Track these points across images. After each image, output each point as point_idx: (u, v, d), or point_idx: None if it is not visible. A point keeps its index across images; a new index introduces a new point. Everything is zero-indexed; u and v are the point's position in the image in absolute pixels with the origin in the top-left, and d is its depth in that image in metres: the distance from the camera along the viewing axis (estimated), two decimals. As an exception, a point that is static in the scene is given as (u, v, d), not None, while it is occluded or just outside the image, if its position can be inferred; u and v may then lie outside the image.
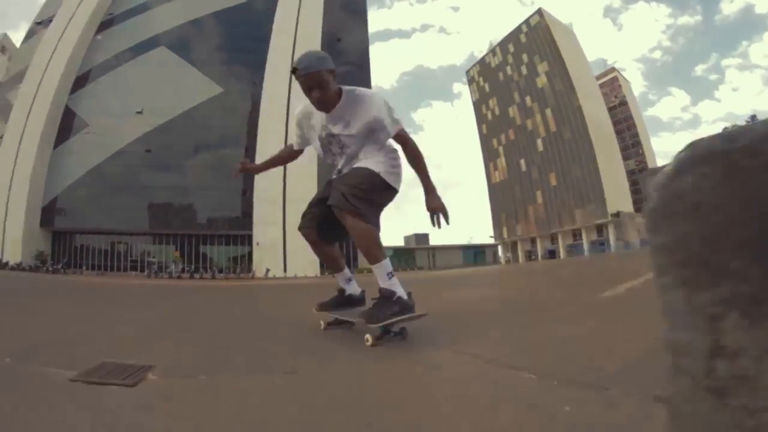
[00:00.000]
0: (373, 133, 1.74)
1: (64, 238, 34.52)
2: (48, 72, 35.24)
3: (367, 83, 40.38)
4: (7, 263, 28.06)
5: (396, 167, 1.81)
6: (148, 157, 34.61)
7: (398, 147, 1.83)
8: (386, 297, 1.64)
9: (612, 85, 70.70)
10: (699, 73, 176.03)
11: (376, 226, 1.75)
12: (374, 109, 1.69)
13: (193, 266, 30.92)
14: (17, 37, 59.98)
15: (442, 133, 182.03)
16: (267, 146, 33.16)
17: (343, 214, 1.67)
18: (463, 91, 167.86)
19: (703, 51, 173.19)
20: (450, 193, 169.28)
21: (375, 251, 1.67)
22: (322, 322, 2.02)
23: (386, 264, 1.69)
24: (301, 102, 1.86)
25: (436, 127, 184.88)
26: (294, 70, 1.62)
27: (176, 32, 38.65)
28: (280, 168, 33.39)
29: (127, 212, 33.46)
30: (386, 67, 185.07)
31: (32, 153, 33.05)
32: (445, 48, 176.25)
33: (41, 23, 39.84)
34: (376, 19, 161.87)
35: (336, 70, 1.67)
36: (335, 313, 1.99)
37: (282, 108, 34.27)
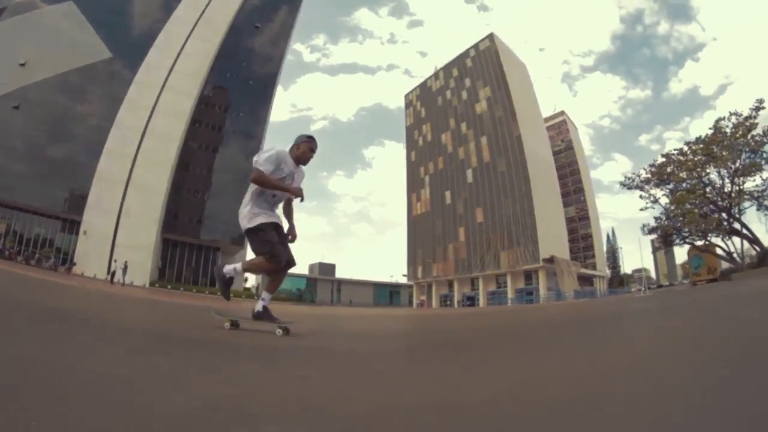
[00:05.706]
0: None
1: None
2: None
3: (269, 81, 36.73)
4: None
5: None
6: None
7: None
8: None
9: (560, 128, 68.85)
10: (642, 142, 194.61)
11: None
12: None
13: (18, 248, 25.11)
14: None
15: (390, 172, 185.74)
16: (129, 114, 28.31)
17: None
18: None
19: (649, 122, 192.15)
20: (390, 233, 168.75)
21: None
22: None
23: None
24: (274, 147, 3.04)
25: (384, 166, 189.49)
26: (313, 139, 3.20)
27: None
28: (134, 146, 28.35)
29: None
30: (347, 98, 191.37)
31: None
32: (406, 90, 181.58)
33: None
34: (345, 52, 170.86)
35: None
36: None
37: (159, 80, 29.82)
